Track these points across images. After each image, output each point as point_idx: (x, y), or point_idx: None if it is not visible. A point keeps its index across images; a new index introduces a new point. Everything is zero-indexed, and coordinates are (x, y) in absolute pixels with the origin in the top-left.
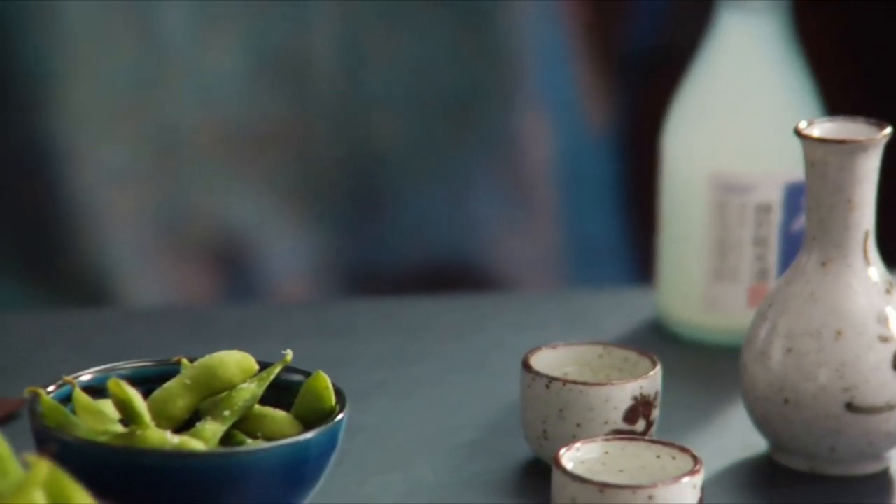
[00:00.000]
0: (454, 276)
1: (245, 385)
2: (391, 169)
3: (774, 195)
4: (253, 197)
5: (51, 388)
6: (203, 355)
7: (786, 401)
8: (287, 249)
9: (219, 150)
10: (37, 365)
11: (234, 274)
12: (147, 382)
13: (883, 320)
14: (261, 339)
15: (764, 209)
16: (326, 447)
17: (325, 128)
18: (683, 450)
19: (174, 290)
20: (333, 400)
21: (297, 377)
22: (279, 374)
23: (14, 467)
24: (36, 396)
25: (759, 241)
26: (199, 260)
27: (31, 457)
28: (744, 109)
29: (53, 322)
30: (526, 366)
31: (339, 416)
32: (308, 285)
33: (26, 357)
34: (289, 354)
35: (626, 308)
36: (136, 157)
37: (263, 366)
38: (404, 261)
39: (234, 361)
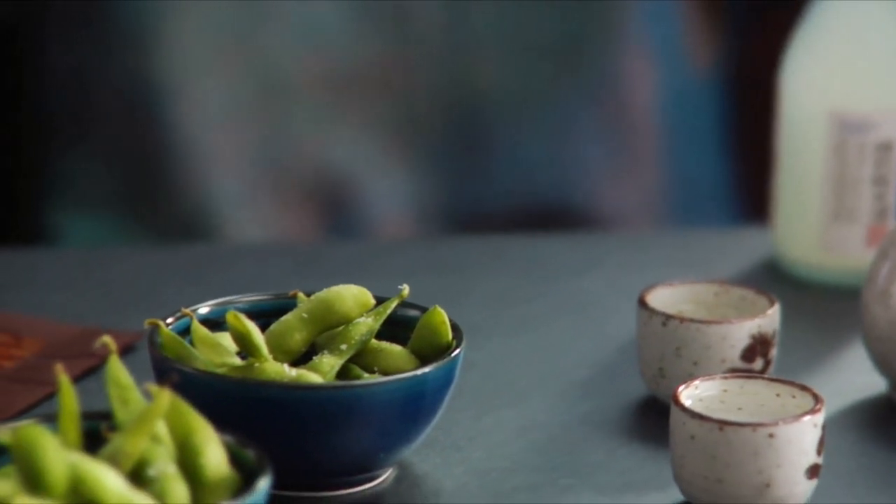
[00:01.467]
0: (556, 217)
1: (362, 319)
2: (494, 109)
3: (895, 133)
4: (356, 136)
5: (169, 321)
6: (314, 291)
7: None
8: (389, 190)
9: (322, 89)
10: (149, 299)
11: (336, 213)
12: (263, 316)
13: None
14: (368, 276)
15: (884, 148)
16: (443, 382)
17: (429, 68)
18: (804, 388)
19: (276, 228)
20: (450, 335)
21: (414, 312)
22: (395, 308)
23: (135, 397)
24: (155, 328)
25: (879, 181)
26: (301, 199)
27: (153, 387)
28: (865, 46)
29: (162, 257)
30: (642, 303)
31: (457, 351)
32: (409, 226)
33: (138, 291)
34: (405, 289)
35: (738, 248)
36: (239, 95)
37: (380, 300)
38: (506, 202)
39: (351, 295)
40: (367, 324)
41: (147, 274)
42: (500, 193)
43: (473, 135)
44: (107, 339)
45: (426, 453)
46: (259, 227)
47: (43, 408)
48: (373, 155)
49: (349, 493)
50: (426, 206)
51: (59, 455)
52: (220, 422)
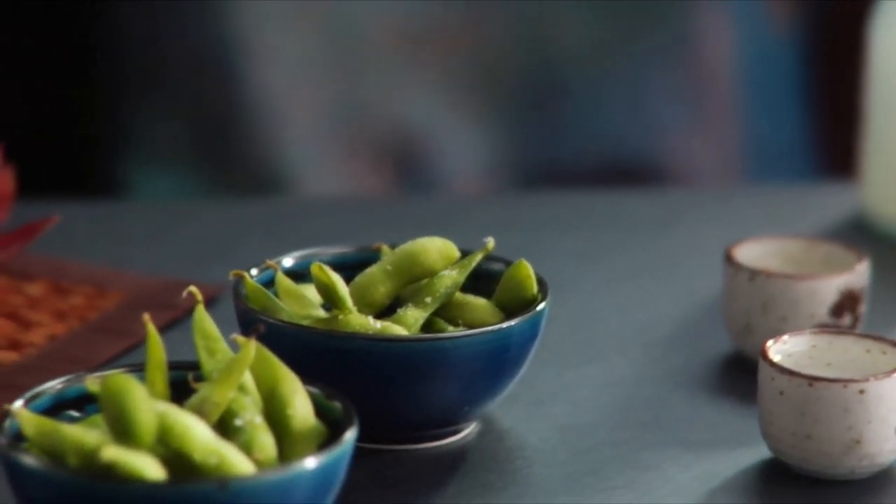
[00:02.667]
0: (632, 174)
1: (446, 272)
2: (570, 64)
3: None
4: (430, 92)
5: (254, 272)
6: (396, 244)
7: None
8: (463, 146)
9: (397, 45)
10: (227, 252)
11: (409, 170)
12: (346, 268)
13: None
14: (444, 231)
15: None
16: (528, 336)
17: (504, 24)
18: (894, 344)
19: (349, 184)
20: (536, 288)
21: (498, 265)
22: (480, 262)
23: (222, 347)
24: (240, 280)
25: None
26: (374, 155)
27: (239, 338)
28: None
29: (238, 211)
30: (729, 258)
31: (542, 305)
32: (483, 182)
33: (216, 245)
34: (490, 242)
35: (822, 204)
36: (314, 51)
37: (463, 254)
38: (582, 158)
39: (436, 248)
40: (451, 277)
41: (224, 228)
42: (575, 150)
43: (548, 90)
44: (193, 289)
45: (509, 408)
46: (332, 183)
47: (126, 359)
48: (447, 111)
49: (433, 447)
50: (500, 163)
51: (147, 405)
52: (305, 374)
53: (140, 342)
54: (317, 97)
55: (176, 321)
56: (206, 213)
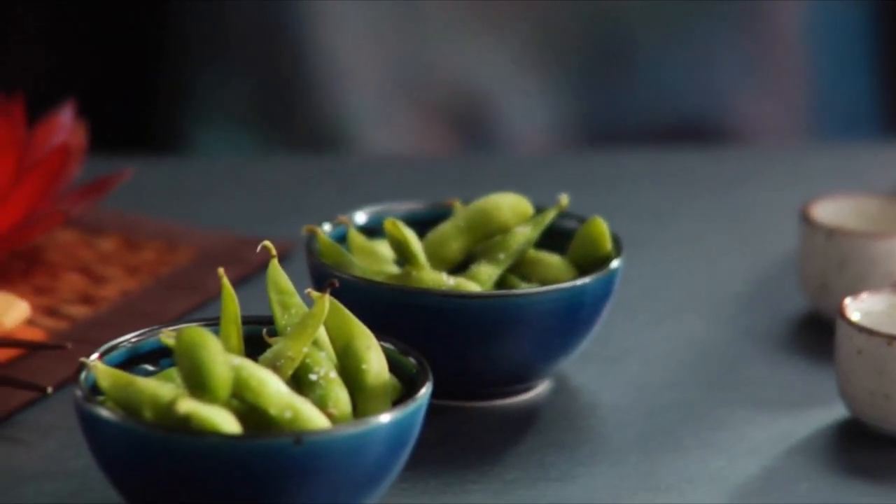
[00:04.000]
0: (699, 133)
1: (520, 229)
2: (637, 24)
3: None
4: (494, 52)
5: (327, 227)
6: (468, 200)
7: None
8: (527, 106)
9: (463, 3)
10: (294, 208)
11: (473, 128)
12: (418, 224)
13: None
14: (512, 189)
15: None
16: (602, 293)
17: None
18: None
19: (413, 142)
20: (610, 245)
21: (571, 222)
22: (553, 219)
23: (296, 302)
24: (313, 235)
25: None
26: (438, 114)
27: (314, 292)
28: None
29: (304, 168)
30: (805, 217)
31: (617, 262)
32: (547, 142)
33: (283, 201)
34: (564, 198)
35: (894, 163)
36: (380, 8)
37: (537, 210)
38: (647, 117)
39: (509, 204)
40: (525, 233)
41: (290, 185)
42: (640, 109)
43: (614, 49)
44: (267, 243)
45: (582, 366)
46: (396, 141)
47: (197, 314)
48: (512, 69)
49: (506, 403)
50: (564, 122)
51: (222, 358)
52: (377, 330)
53: (211, 298)
54: (381, 55)
55: (246, 277)
56: (272, 171)
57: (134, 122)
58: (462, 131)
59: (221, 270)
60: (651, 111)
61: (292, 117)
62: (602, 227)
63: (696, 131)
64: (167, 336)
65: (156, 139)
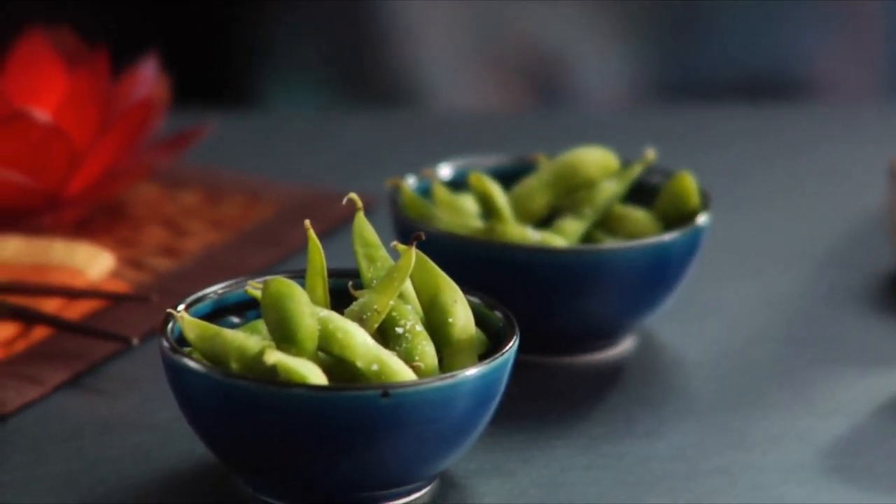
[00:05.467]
0: (775, 92)
1: (606, 183)
2: None
3: None
4: (568, 9)
5: (411, 181)
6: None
7: None
8: (601, 64)
9: None
10: (373, 162)
11: (547, 85)
12: (502, 179)
13: None
14: (590, 144)
15: None
16: (688, 249)
17: None
18: None
19: (487, 100)
20: (698, 201)
21: (657, 178)
22: (639, 173)
23: (382, 255)
24: (397, 189)
25: None
26: (512, 71)
27: (400, 245)
28: None
29: (381, 123)
30: (893, 172)
31: (704, 218)
32: (622, 99)
33: (361, 155)
34: (651, 153)
35: None
36: None
37: (623, 165)
38: (722, 76)
39: (595, 159)
40: (611, 188)
41: (368, 140)
42: (717, 64)
43: (690, 4)
44: (353, 195)
45: (668, 322)
46: (471, 97)
47: (279, 268)
48: (586, 26)
49: (591, 359)
50: (639, 79)
51: (309, 310)
52: (461, 284)
53: (292, 251)
54: (456, 10)
55: (327, 231)
56: (349, 126)
57: (212, 77)
58: (536, 87)
59: (308, 222)
60: (727, 67)
61: (367, 73)
62: (690, 182)
63: (772, 87)
64: (253, 288)
65: (233, 94)
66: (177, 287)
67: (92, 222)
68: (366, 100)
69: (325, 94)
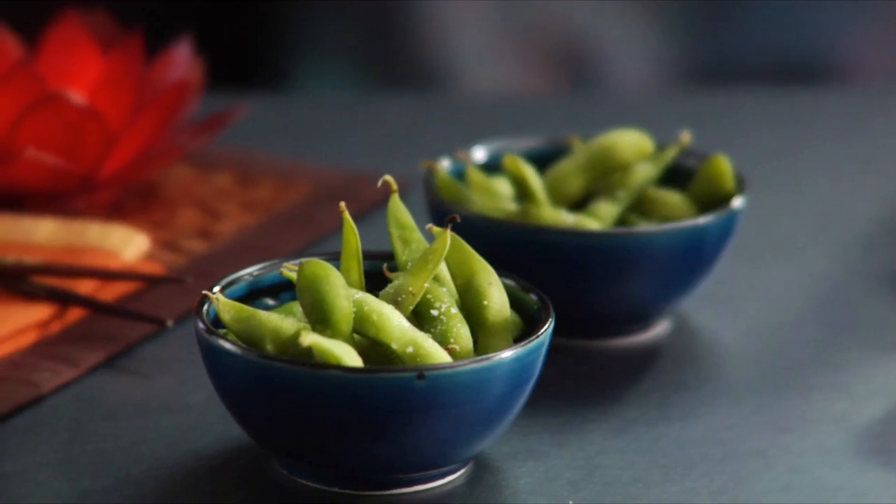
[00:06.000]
0: (808, 75)
1: (641, 166)
2: None
3: None
4: None
5: (445, 164)
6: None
7: None
8: (632, 47)
9: None
10: (405, 145)
11: (578, 69)
12: (536, 161)
13: None
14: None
15: None
16: (723, 232)
17: None
18: None
19: (517, 83)
20: (733, 184)
21: (692, 161)
22: (674, 156)
23: (417, 237)
24: (431, 171)
25: None
26: (542, 54)
27: (435, 228)
28: None
29: (411, 105)
30: None
31: (739, 201)
32: (654, 82)
33: (393, 137)
34: (686, 136)
35: None
36: None
37: (658, 148)
38: (754, 58)
39: (630, 141)
40: (646, 171)
41: (400, 122)
42: (749, 47)
43: None
44: (389, 178)
45: (702, 305)
46: (499, 81)
47: (312, 250)
48: (618, 9)
49: (625, 342)
50: (670, 62)
51: (345, 292)
52: (495, 267)
53: (326, 234)
54: None
55: (360, 214)
56: (380, 108)
57: (246, 59)
58: (567, 70)
59: (343, 204)
60: (759, 50)
61: (398, 56)
62: (725, 165)
63: (805, 70)
64: (288, 270)
65: (266, 77)
66: (211, 269)
67: (125, 204)
68: (396, 83)
69: (356, 77)
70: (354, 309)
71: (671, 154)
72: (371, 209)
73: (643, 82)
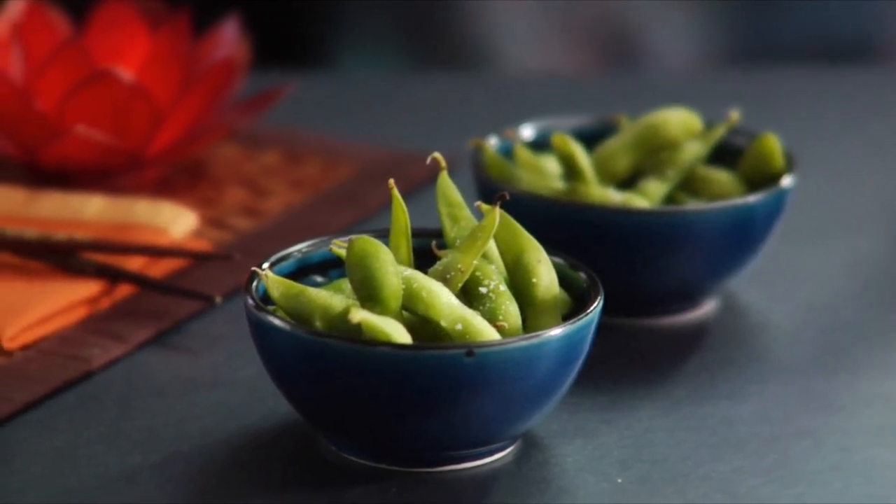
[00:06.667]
0: (852, 56)
1: (689, 144)
2: None
3: None
4: None
5: (493, 142)
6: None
7: None
8: (676, 27)
9: None
10: (451, 123)
11: (621, 48)
12: (584, 139)
13: None
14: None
15: None
16: (773, 211)
17: None
18: None
19: (559, 62)
20: (783, 162)
21: (741, 139)
22: (723, 135)
23: (466, 215)
24: (479, 149)
25: None
26: (585, 34)
27: (484, 206)
28: None
29: (453, 84)
30: None
31: (789, 180)
32: (696, 62)
33: (438, 116)
34: (735, 114)
35: None
36: None
37: (706, 126)
38: (796, 38)
39: (678, 120)
40: (694, 149)
41: (444, 101)
42: (793, 26)
43: None
44: (437, 155)
45: (751, 284)
46: (541, 61)
47: (359, 228)
48: None
49: (674, 321)
50: (713, 42)
51: (394, 268)
52: (543, 245)
53: (373, 212)
54: None
55: (407, 192)
56: (424, 87)
57: (292, 38)
58: (610, 50)
59: (392, 182)
60: (803, 29)
61: (441, 36)
62: (774, 144)
63: (848, 49)
64: (338, 247)
65: (313, 56)
66: (258, 246)
67: (173, 182)
68: (440, 62)
69: (400, 56)
70: (403, 286)
71: (720, 132)
72: (418, 187)
73: (689, 62)
